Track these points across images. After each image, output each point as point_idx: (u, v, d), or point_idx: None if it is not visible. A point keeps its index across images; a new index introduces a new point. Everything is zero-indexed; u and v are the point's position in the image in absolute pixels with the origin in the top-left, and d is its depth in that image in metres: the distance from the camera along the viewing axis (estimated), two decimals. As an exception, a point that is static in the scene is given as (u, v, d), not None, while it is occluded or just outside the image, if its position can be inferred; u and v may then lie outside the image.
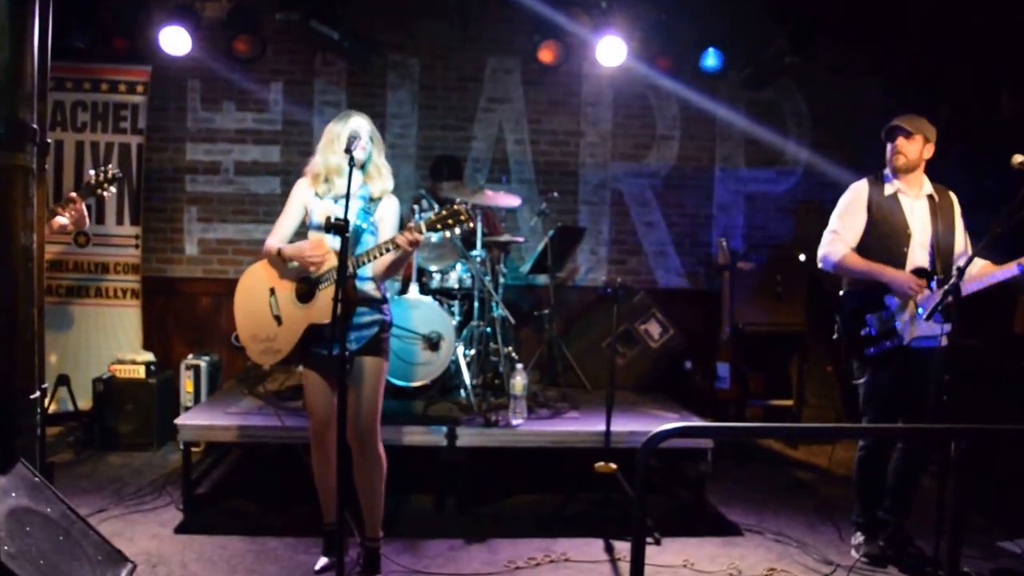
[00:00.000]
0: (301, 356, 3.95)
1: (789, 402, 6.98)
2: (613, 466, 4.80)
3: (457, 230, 3.71)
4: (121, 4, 6.62)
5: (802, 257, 6.89)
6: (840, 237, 4.39)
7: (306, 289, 3.90)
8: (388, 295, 4.04)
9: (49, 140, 4.02)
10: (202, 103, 7.23)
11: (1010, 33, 6.39)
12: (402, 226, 3.87)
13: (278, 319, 3.97)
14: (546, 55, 6.95)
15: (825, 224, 4.52)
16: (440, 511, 5.06)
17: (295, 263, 3.89)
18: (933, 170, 4.44)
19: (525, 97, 7.46)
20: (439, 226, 3.70)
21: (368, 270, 3.87)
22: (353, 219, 3.82)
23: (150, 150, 7.01)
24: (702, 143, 7.63)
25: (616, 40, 6.69)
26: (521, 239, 6.28)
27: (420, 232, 3.68)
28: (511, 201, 5.89)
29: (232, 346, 6.03)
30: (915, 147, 4.31)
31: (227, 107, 7.25)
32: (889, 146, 4.37)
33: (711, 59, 6.98)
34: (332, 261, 3.75)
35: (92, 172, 4.95)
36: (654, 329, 6.83)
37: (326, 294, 3.74)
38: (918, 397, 4.21)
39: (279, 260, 3.93)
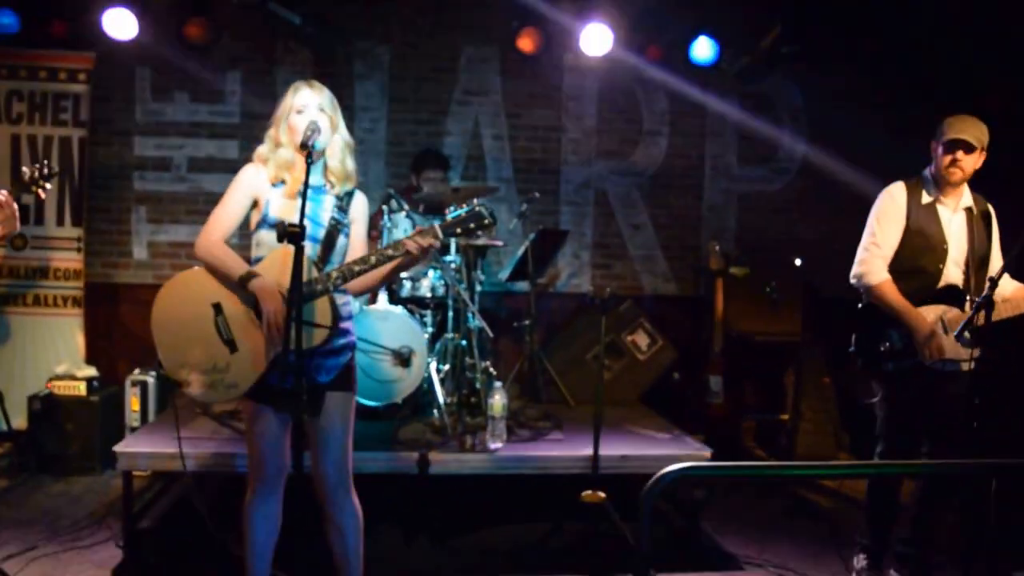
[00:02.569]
0: (252, 388, 3.18)
1: (784, 416, 6.57)
2: (601, 495, 4.35)
3: (479, 236, 3.18)
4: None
5: (798, 262, 6.50)
6: (880, 252, 3.98)
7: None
8: (353, 308, 3.44)
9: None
10: (152, 93, 6.67)
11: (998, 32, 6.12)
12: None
13: (231, 344, 3.18)
14: (526, 43, 6.48)
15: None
16: (410, 545, 4.57)
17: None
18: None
19: (503, 89, 6.98)
20: (458, 230, 3.16)
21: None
22: (327, 217, 3.25)
23: (94, 144, 6.44)
24: (692, 140, 7.18)
25: (602, 28, 6.25)
26: (500, 243, 5.80)
27: (436, 236, 3.12)
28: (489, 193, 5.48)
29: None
30: (973, 161, 3.89)
31: (179, 98, 6.69)
32: (945, 157, 3.90)
33: (703, 49, 6.52)
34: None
35: (26, 168, 4.32)
36: (642, 340, 6.38)
37: (304, 313, 2.96)
38: (941, 422, 3.89)
39: (235, 284, 3.13)
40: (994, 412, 3.82)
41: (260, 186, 3.25)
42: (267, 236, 3.20)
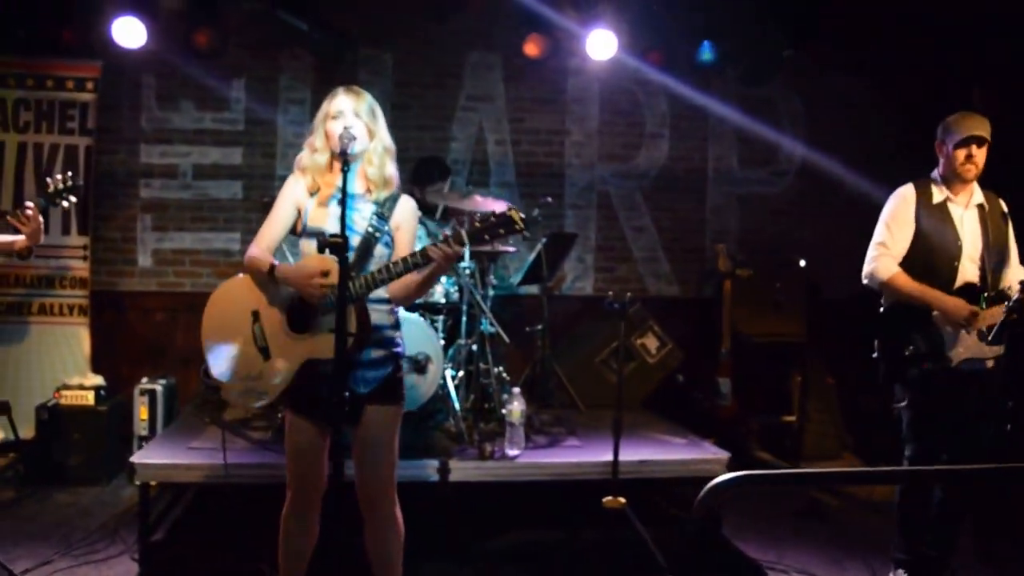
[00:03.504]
0: (291, 398, 3.20)
1: (792, 418, 6.59)
2: (622, 500, 4.36)
3: (509, 240, 3.08)
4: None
5: (802, 263, 6.53)
6: (889, 252, 3.98)
7: (303, 315, 3.14)
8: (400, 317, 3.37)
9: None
10: (157, 101, 6.63)
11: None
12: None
13: (264, 351, 3.19)
14: (532, 48, 6.48)
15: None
16: (432, 553, 4.55)
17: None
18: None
19: (507, 94, 6.99)
20: (487, 236, 2.95)
21: (381, 292, 3.16)
22: (364, 225, 3.17)
23: (100, 152, 6.40)
24: (694, 142, 7.22)
25: (606, 33, 6.26)
26: (512, 248, 5.79)
27: (461, 243, 2.95)
28: (501, 206, 5.41)
29: (199, 373, 5.47)
30: (983, 155, 3.90)
31: (185, 106, 6.67)
32: (959, 154, 3.89)
33: (706, 53, 6.55)
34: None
35: (49, 179, 4.24)
36: (651, 343, 6.39)
37: (331, 321, 2.93)
38: (968, 425, 3.86)
39: (268, 279, 3.17)
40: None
41: (300, 195, 3.24)
42: (307, 245, 3.22)
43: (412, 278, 3.15)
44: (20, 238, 4.12)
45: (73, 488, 5.45)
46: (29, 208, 4.02)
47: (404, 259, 3.04)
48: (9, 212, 4.06)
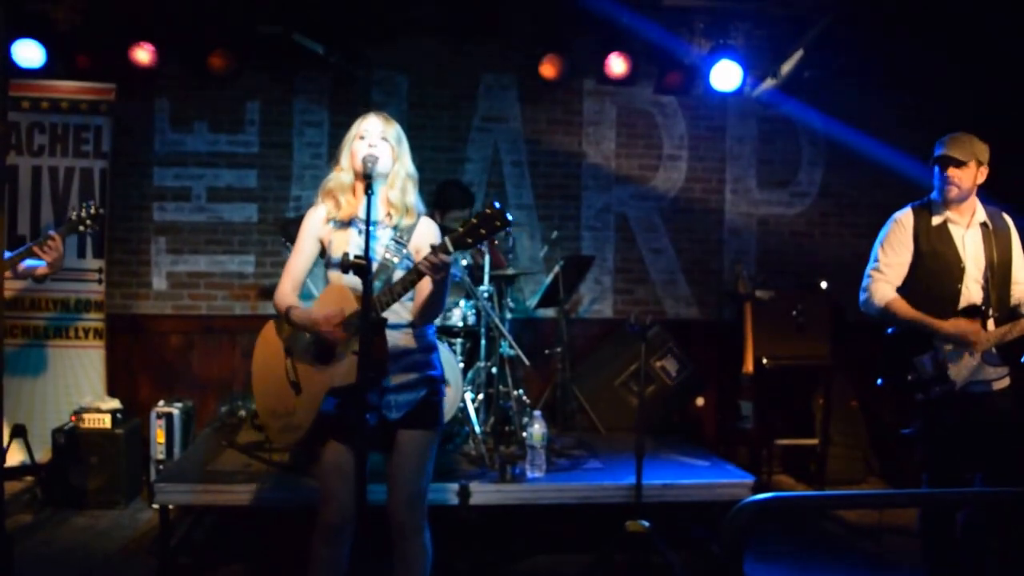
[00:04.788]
0: (320, 425, 3.17)
1: (814, 441, 6.49)
2: (645, 524, 4.29)
3: (493, 238, 3.03)
4: (83, 16, 6.00)
5: (824, 284, 6.44)
6: (884, 276, 3.96)
7: (325, 346, 3.15)
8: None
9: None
10: (171, 124, 6.61)
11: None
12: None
13: (296, 386, 3.21)
14: (548, 70, 6.48)
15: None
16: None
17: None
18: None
19: (522, 116, 6.94)
20: (469, 240, 2.89)
21: (403, 315, 3.18)
22: (381, 252, 3.16)
23: (114, 175, 6.35)
24: (711, 164, 7.15)
25: (622, 55, 6.26)
26: (530, 271, 5.76)
27: (447, 251, 2.90)
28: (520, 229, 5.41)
29: (218, 393, 5.47)
30: (968, 175, 3.88)
31: (199, 128, 6.63)
32: (939, 176, 3.91)
33: (724, 74, 6.48)
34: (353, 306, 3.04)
35: (75, 207, 4.38)
36: (671, 366, 6.31)
37: (350, 348, 3.02)
38: (983, 445, 3.81)
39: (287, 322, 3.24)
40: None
41: (320, 227, 3.26)
42: (331, 275, 3.24)
43: (420, 296, 3.14)
44: (42, 265, 4.29)
45: (91, 512, 5.42)
46: (52, 238, 4.21)
47: (401, 279, 3.04)
48: (34, 242, 4.18)
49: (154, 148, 6.62)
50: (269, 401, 3.32)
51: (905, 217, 4.02)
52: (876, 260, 4.02)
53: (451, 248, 2.91)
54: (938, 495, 3.92)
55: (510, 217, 2.89)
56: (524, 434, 4.78)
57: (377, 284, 3.06)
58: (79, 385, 6.05)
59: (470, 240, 2.90)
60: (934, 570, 4.00)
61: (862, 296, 4.04)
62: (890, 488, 6.30)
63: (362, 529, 2.95)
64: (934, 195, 4.00)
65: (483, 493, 4.44)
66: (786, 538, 5.14)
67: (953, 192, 3.89)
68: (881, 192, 6.73)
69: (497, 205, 2.89)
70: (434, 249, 2.93)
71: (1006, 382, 3.85)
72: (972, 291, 3.89)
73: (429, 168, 6.72)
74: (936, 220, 3.95)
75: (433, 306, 3.16)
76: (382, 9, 6.43)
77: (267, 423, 3.35)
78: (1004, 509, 4.08)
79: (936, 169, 3.93)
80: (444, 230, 5.32)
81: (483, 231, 2.88)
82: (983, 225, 3.96)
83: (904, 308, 3.88)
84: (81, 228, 4.40)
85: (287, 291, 3.25)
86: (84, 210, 4.39)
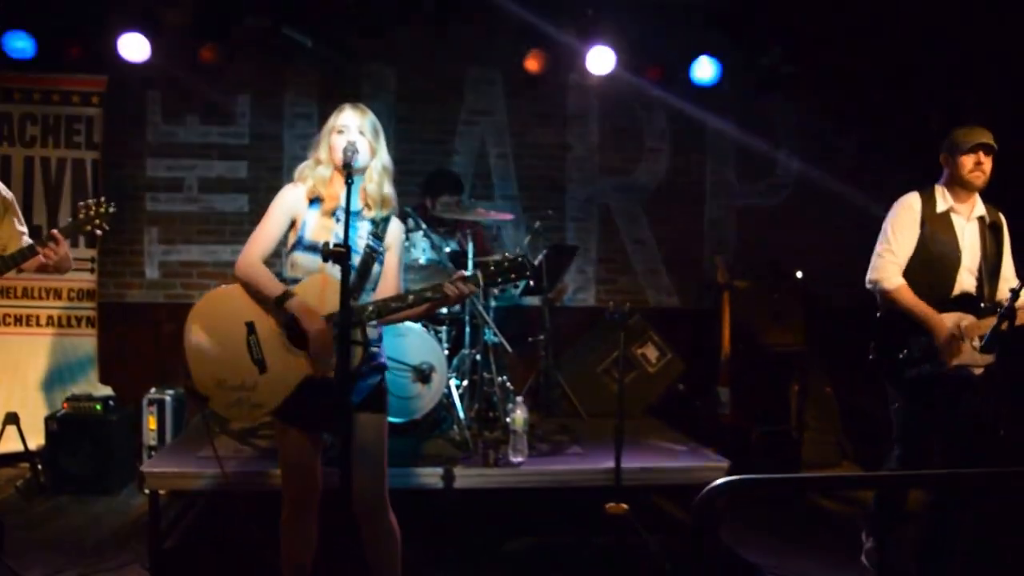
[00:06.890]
0: (285, 410, 3.20)
1: (789, 427, 6.65)
2: (624, 506, 4.42)
3: (517, 287, 3.23)
4: (75, 8, 6.10)
5: (799, 274, 6.60)
6: (895, 259, 4.05)
7: (301, 332, 3.13)
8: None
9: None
10: (163, 115, 6.73)
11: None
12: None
13: (260, 364, 3.20)
14: (532, 64, 6.60)
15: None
16: (440, 562, 4.59)
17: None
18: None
19: (508, 109, 7.09)
20: (499, 280, 3.14)
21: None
22: (362, 244, 3.24)
23: (106, 166, 6.47)
24: (692, 157, 7.31)
25: (605, 50, 6.38)
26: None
27: (477, 285, 3.13)
28: (504, 217, 5.54)
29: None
30: (991, 164, 3.99)
31: (190, 120, 6.76)
32: (966, 160, 3.98)
33: (704, 70, 6.64)
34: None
35: (82, 204, 3.86)
36: (651, 353, 6.46)
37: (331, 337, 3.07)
38: (958, 428, 3.94)
39: (272, 304, 3.14)
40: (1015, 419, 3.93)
41: (298, 206, 3.27)
42: (302, 258, 3.23)
43: (418, 309, 3.24)
44: (44, 261, 3.94)
45: (83, 497, 5.48)
46: (55, 236, 3.76)
47: (420, 292, 3.15)
48: (39, 242, 3.78)
49: (146, 139, 6.73)
50: (216, 369, 3.21)
51: (913, 201, 4.10)
52: (887, 241, 4.09)
53: (481, 283, 3.12)
54: (906, 476, 4.07)
55: (534, 270, 3.09)
56: (507, 420, 4.91)
57: (366, 278, 3.21)
58: (72, 373, 6.19)
59: (499, 281, 3.15)
60: (882, 541, 4.17)
61: (872, 274, 4.10)
62: (862, 471, 6.45)
63: (347, 514, 3.01)
64: (939, 184, 4.09)
65: (467, 477, 4.55)
66: (767, 524, 5.25)
67: (981, 180, 3.98)
68: (854, 186, 6.87)
69: (526, 255, 3.15)
70: (463, 279, 3.13)
71: (983, 369, 3.97)
72: (965, 281, 4.02)
73: (419, 160, 6.87)
74: (941, 208, 4.05)
75: (410, 318, 3.34)
76: (370, 2, 6.53)
77: (212, 393, 3.22)
78: (969, 490, 4.20)
79: (963, 156, 3.96)
80: (431, 215, 5.47)
81: (513, 276, 3.14)
82: (980, 219, 4.09)
83: (909, 297, 3.97)
84: (89, 227, 3.83)
85: (255, 259, 3.19)
86: (92, 207, 3.82)
